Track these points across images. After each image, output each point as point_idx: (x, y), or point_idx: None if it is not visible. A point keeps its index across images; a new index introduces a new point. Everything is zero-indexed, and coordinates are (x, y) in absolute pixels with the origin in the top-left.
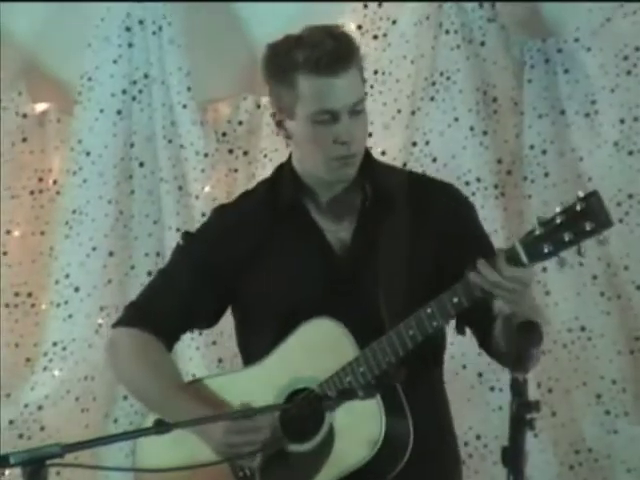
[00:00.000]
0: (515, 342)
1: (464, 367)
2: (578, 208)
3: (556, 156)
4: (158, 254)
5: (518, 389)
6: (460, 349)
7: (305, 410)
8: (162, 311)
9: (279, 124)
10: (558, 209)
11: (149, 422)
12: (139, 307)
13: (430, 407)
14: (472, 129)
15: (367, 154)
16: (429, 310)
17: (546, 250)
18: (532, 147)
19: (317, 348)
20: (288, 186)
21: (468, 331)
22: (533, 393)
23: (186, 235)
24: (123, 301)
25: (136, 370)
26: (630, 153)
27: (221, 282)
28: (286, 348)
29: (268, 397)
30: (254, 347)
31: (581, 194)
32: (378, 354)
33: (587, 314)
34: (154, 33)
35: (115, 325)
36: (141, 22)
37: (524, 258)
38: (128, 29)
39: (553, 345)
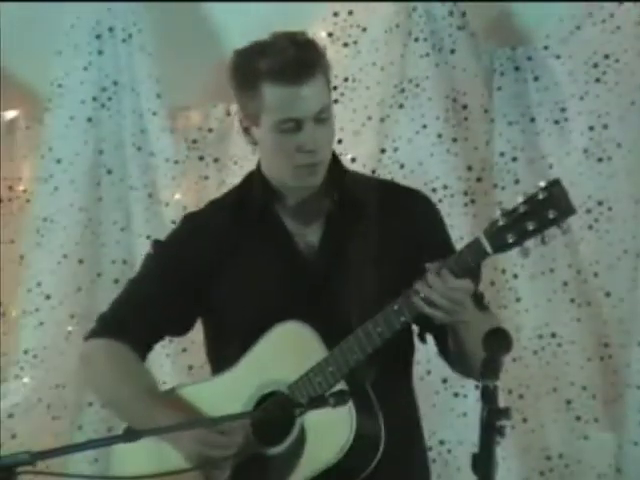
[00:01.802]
0: (485, 348)
1: (429, 373)
2: (540, 197)
3: (526, 163)
4: (125, 262)
5: (488, 396)
6: (425, 355)
7: (275, 414)
8: (134, 320)
9: (246, 130)
10: (521, 199)
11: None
12: (111, 318)
13: (400, 410)
14: (440, 136)
15: (336, 160)
16: (396, 307)
17: (510, 240)
18: (502, 154)
19: (286, 351)
20: (258, 190)
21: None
22: (504, 399)
23: (155, 243)
24: (91, 309)
25: (110, 381)
26: (599, 160)
27: (192, 289)
28: (255, 353)
29: (239, 403)
30: (224, 355)
31: (543, 183)
32: (346, 353)
33: (557, 321)
34: (124, 40)
35: (87, 337)
36: (111, 29)
37: (488, 249)
38: (98, 36)
39: (524, 351)
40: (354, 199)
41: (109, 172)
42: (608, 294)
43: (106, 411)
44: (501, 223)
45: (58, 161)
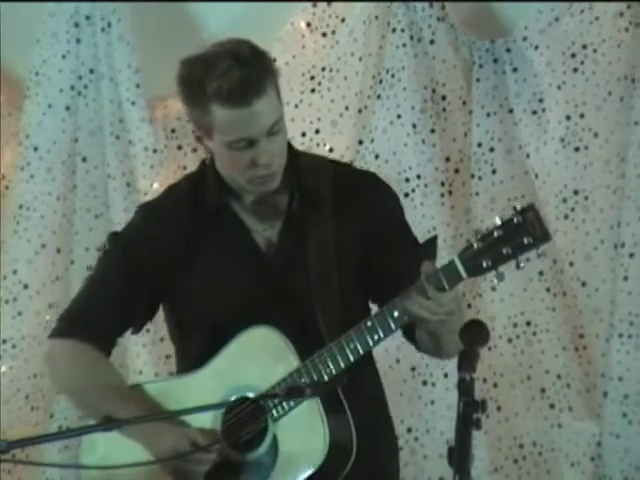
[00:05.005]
0: (462, 341)
1: (397, 361)
2: (515, 221)
3: (504, 153)
4: (99, 249)
5: (465, 388)
6: (394, 343)
7: (248, 419)
8: (94, 319)
9: (199, 140)
10: (498, 221)
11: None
12: (71, 316)
13: (369, 404)
14: (415, 126)
15: (292, 153)
16: (369, 323)
17: (485, 265)
18: (480, 145)
19: (258, 357)
20: (213, 187)
21: None
22: (478, 388)
23: (112, 236)
24: (66, 297)
25: (76, 381)
26: (576, 149)
27: (149, 283)
28: (226, 356)
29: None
30: (187, 350)
31: (518, 207)
32: (319, 366)
33: (533, 309)
34: (103, 30)
35: (51, 336)
36: (89, 18)
37: (463, 273)
38: (77, 25)
39: (499, 340)
40: (311, 191)
41: (84, 160)
42: (584, 284)
43: None
44: (476, 247)
45: (35, 149)
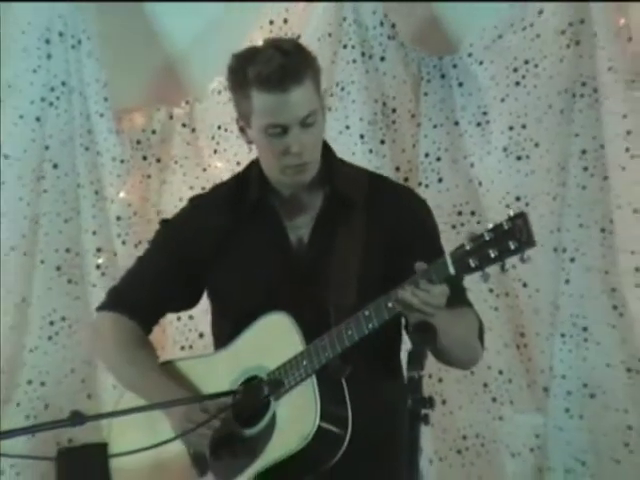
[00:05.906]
0: (411, 340)
1: None
2: (505, 227)
3: (449, 163)
4: (68, 250)
5: (414, 386)
6: None
7: (250, 396)
8: (137, 296)
9: (242, 129)
10: (490, 225)
11: (122, 404)
12: (118, 292)
13: (380, 400)
14: (362, 137)
15: (330, 156)
16: (367, 312)
17: (472, 264)
18: (427, 155)
19: (270, 340)
20: (255, 183)
21: None
22: (424, 383)
23: (163, 222)
24: (33, 294)
25: (116, 353)
26: (518, 158)
27: (190, 269)
28: (244, 339)
29: (225, 382)
30: (221, 332)
31: (511, 213)
32: (319, 350)
33: (476, 309)
34: (73, 47)
35: (99, 308)
36: (61, 34)
37: (451, 270)
38: (48, 41)
39: None
40: (345, 197)
41: (55, 166)
42: (525, 285)
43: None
44: (467, 247)
45: (6, 157)
